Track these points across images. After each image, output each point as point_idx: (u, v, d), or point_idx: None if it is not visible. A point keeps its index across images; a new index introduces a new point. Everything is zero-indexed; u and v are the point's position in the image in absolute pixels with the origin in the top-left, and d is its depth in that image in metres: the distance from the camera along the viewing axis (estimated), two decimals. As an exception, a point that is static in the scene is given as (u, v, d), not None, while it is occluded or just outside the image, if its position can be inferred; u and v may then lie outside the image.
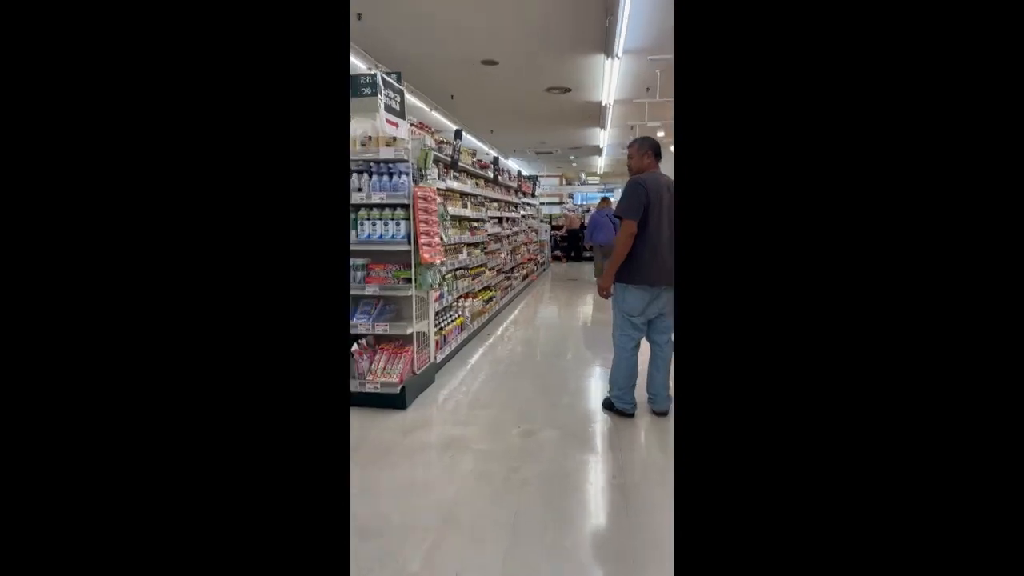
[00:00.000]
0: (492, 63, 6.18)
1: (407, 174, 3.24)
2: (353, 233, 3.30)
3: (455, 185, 4.82)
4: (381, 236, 3.27)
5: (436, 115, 9.20)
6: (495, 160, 6.81)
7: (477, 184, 5.99)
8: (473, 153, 5.84)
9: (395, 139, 3.24)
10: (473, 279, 5.53)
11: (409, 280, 3.30)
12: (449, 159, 4.53)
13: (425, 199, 3.31)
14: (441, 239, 3.59)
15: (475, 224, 5.83)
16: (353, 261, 3.39)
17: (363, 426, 2.99)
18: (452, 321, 4.43)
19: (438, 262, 3.49)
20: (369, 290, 3.29)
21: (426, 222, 3.33)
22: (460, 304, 4.88)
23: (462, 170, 5.32)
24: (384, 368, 3.26)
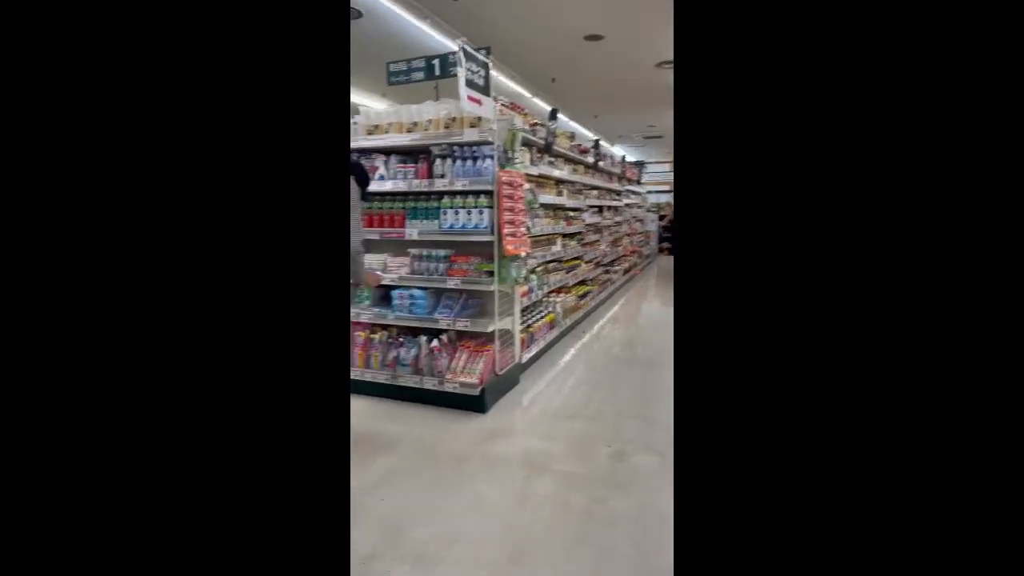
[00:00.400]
0: (596, 38, 5.68)
1: (491, 158, 2.96)
2: (436, 222, 3.11)
3: (549, 171, 4.46)
4: (464, 226, 3.03)
5: (537, 101, 8.90)
6: (595, 144, 6.33)
7: (575, 170, 5.58)
8: (571, 136, 5.44)
9: (480, 119, 2.98)
10: (567, 272, 5.15)
11: (491, 273, 3.03)
12: (543, 142, 4.19)
13: (511, 185, 3.00)
14: (528, 229, 3.27)
15: (571, 213, 5.44)
16: (436, 252, 3.21)
17: (439, 429, 2.79)
18: (541, 318, 4.11)
19: (523, 254, 3.18)
20: (451, 283, 3.08)
21: (511, 210, 3.03)
22: (551, 299, 4.54)
23: (557, 155, 4.94)
24: (464, 367, 3.04)
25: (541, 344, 4.00)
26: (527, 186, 3.22)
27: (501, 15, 4.79)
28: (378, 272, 2.96)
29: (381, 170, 3.20)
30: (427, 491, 2.18)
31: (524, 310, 4.04)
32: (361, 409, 3.03)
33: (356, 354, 3.26)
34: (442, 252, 3.21)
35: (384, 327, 3.35)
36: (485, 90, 2.77)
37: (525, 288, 3.93)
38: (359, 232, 2.37)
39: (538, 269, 4.38)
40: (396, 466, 2.41)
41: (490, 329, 3.04)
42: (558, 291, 4.84)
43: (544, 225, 4.52)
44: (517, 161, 3.24)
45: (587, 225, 6.17)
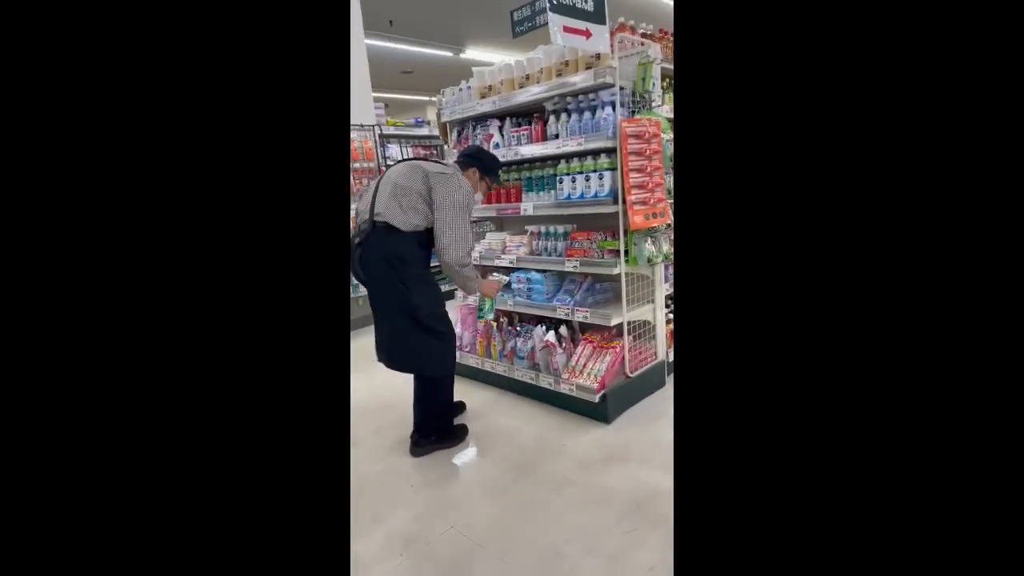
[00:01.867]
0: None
1: (612, 105, 2.31)
2: (552, 193, 2.62)
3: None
4: (582, 195, 2.47)
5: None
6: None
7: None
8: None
9: (599, 58, 2.34)
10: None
11: (616, 252, 2.43)
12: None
13: (640, 137, 2.31)
14: (670, 191, 2.52)
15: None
16: (555, 228, 2.73)
17: (547, 439, 2.38)
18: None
19: (663, 226, 2.46)
20: (569, 265, 2.58)
21: (641, 171, 2.35)
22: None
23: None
24: (585, 366, 2.55)
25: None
26: (669, 136, 2.46)
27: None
28: (501, 278, 2.64)
29: (496, 137, 2.83)
30: (505, 519, 1.82)
31: (680, 293, 3.28)
32: (477, 400, 2.82)
33: (478, 342, 3.04)
34: (561, 228, 2.71)
35: (507, 314, 3.04)
36: (595, 16, 2.12)
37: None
38: (466, 240, 2.07)
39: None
40: (480, 478, 2.11)
41: (614, 322, 2.46)
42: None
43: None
44: (655, 104, 2.50)
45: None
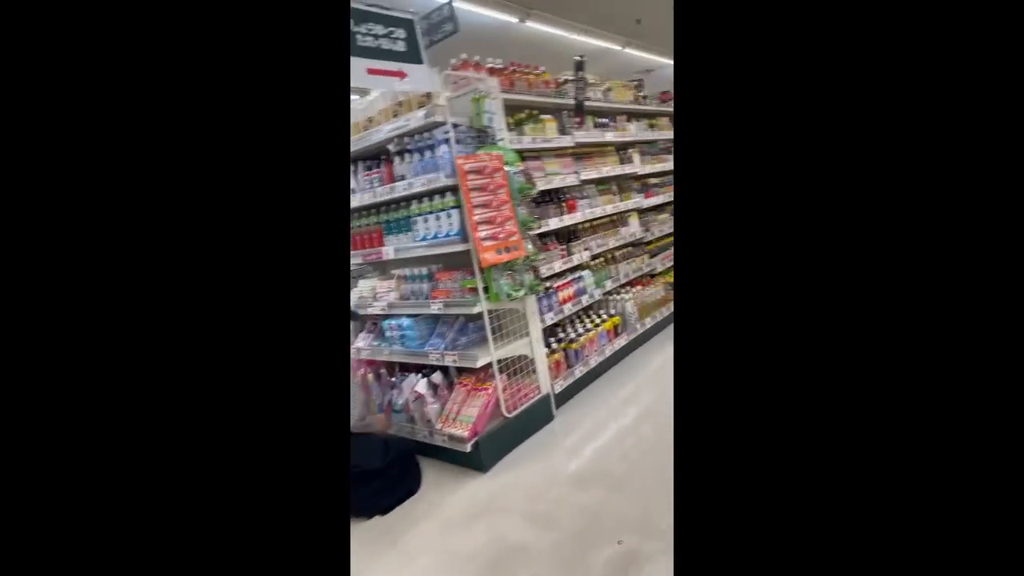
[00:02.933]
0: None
1: (447, 143, 2.25)
2: (410, 235, 2.52)
3: (592, 136, 3.51)
4: (435, 235, 2.38)
5: (633, 52, 7.60)
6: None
7: (652, 125, 4.43)
8: (637, 85, 4.31)
9: (429, 96, 2.28)
10: (652, 256, 4.10)
11: (475, 290, 2.33)
12: (574, 102, 3.26)
13: (480, 172, 2.25)
14: (525, 223, 2.46)
15: (653, 182, 4.33)
16: (419, 271, 2.62)
17: (420, 499, 2.22)
18: (595, 326, 3.22)
19: (519, 259, 2.39)
20: (435, 307, 2.47)
21: (486, 205, 2.28)
22: (620, 297, 3.59)
23: (608, 112, 3.91)
24: (459, 413, 2.41)
25: (598, 359, 3.13)
26: (516, 168, 2.42)
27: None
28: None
29: (352, 182, 2.72)
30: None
31: (569, 319, 3.22)
32: (359, 463, 2.62)
33: (360, 398, 2.86)
34: (426, 270, 2.61)
35: (386, 364, 2.89)
36: (409, 56, 2.07)
37: (571, 292, 3.11)
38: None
39: (594, 262, 3.48)
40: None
41: (481, 363, 2.35)
42: (635, 283, 3.84)
43: (603, 205, 3.60)
44: (499, 138, 2.46)
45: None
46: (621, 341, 3.37)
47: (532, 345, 2.64)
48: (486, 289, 2.35)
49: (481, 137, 2.39)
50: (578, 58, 3.18)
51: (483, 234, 2.25)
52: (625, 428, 2.56)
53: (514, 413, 2.48)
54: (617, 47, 7.15)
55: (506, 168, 2.40)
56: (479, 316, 2.37)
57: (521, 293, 2.40)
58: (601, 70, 6.39)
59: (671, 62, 7.50)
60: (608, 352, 3.23)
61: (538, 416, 2.64)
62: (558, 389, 2.80)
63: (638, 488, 2.00)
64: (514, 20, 5.34)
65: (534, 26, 5.57)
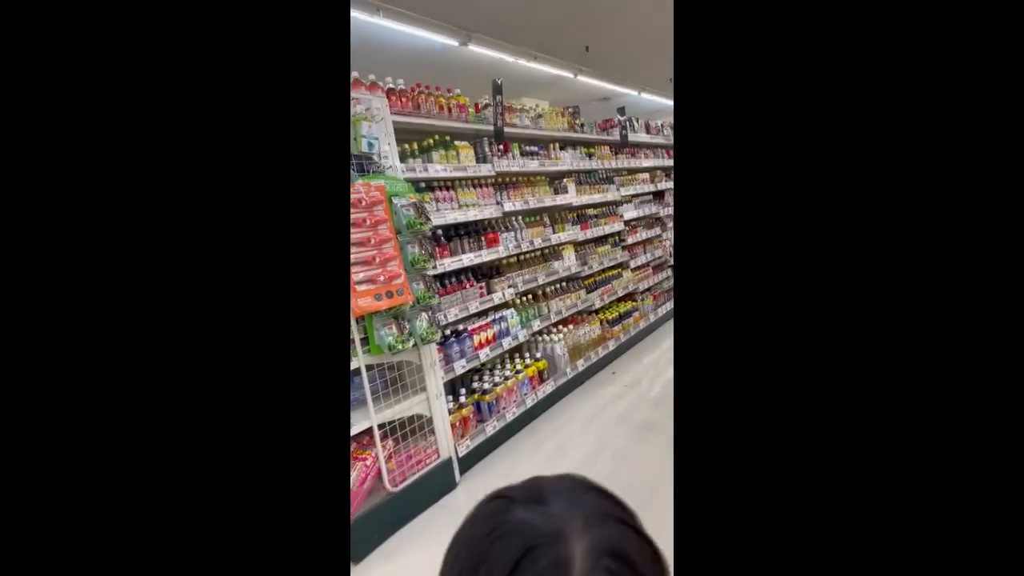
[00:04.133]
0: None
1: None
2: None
3: (515, 165, 3.25)
4: (308, 276, 2.03)
5: (587, 80, 7.52)
6: (623, 116, 4.82)
7: (590, 153, 4.23)
8: (573, 112, 4.11)
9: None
10: (591, 292, 3.83)
11: (352, 342, 1.98)
12: (492, 128, 3.00)
13: (355, 205, 1.93)
14: (415, 263, 2.14)
15: (591, 213, 4.10)
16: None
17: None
18: (515, 374, 2.89)
19: (407, 304, 2.06)
20: (310, 361, 2.10)
21: (363, 243, 1.96)
22: (549, 338, 3.29)
23: (539, 140, 3.67)
24: (333, 487, 2.03)
25: (517, 411, 2.79)
26: (406, 200, 2.11)
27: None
28: None
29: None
30: None
31: (488, 366, 2.88)
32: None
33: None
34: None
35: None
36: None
37: (490, 334, 2.78)
38: None
39: (519, 300, 3.18)
40: None
41: (359, 428, 1.99)
42: (569, 321, 3.55)
43: (532, 238, 3.32)
44: (386, 166, 2.15)
45: (632, 221, 4.72)
46: (547, 388, 3.05)
47: (430, 402, 2.28)
48: (365, 340, 2.01)
49: (363, 165, 2.08)
50: (496, 81, 2.93)
51: (358, 277, 1.92)
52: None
53: (401, 486, 2.11)
54: (569, 74, 7.06)
55: (394, 200, 2.09)
56: (356, 372, 2.02)
57: (408, 345, 2.06)
58: (558, 98, 6.21)
59: (627, 91, 7.43)
60: (530, 402, 2.90)
61: (435, 486, 2.27)
62: (464, 451, 2.44)
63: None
64: (455, 43, 5.15)
65: (477, 50, 5.39)
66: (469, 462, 2.49)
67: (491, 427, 2.61)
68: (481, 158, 3.02)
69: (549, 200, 3.54)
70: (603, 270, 4.14)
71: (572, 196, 3.81)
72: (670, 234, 5.52)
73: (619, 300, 4.32)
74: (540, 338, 3.28)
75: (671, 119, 6.80)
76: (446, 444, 2.34)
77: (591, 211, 4.12)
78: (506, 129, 3.27)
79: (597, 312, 3.94)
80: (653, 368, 3.76)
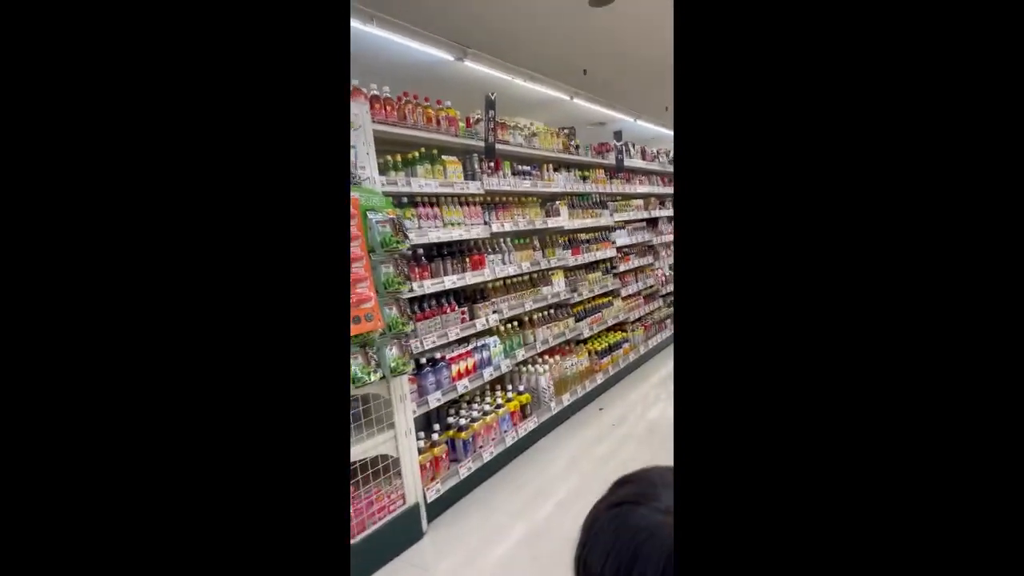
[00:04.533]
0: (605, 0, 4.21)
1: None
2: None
3: (506, 185, 3.08)
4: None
5: (583, 103, 7.46)
6: (620, 141, 4.72)
7: (584, 176, 4.08)
8: (568, 133, 3.98)
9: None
10: (578, 320, 3.64)
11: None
12: (483, 144, 2.84)
13: (323, 219, 1.73)
14: (388, 284, 1.93)
15: (583, 237, 3.94)
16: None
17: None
18: (494, 409, 2.67)
19: (375, 332, 1.84)
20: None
21: (330, 262, 1.74)
22: (533, 369, 3.08)
23: (531, 159, 3.52)
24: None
25: (496, 450, 2.56)
26: (382, 216, 1.91)
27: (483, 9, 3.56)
28: None
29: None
30: None
31: (467, 398, 2.66)
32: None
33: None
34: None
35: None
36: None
37: (470, 364, 2.56)
38: None
39: (504, 327, 2.97)
40: None
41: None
42: (556, 351, 3.34)
43: (521, 261, 3.14)
44: (364, 178, 1.96)
45: (624, 248, 4.57)
46: (529, 424, 2.82)
47: (398, 440, 2.05)
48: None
49: (336, 175, 1.88)
50: (489, 95, 2.77)
51: (321, 299, 1.70)
52: (524, 543, 1.98)
53: (359, 537, 1.86)
54: (565, 96, 7.00)
55: (369, 215, 1.89)
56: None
57: (375, 377, 1.84)
58: (553, 119, 6.10)
59: (623, 116, 7.36)
60: (510, 440, 2.67)
61: (399, 536, 2.02)
62: (435, 495, 2.20)
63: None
64: (450, 58, 5.03)
65: (473, 66, 5.28)
66: (439, 508, 2.25)
67: (465, 468, 2.37)
68: (470, 175, 2.85)
69: (540, 222, 3.38)
70: (593, 297, 3.96)
71: (565, 219, 3.65)
72: (663, 263, 5.38)
73: (609, 329, 4.13)
74: (524, 369, 3.07)
75: (667, 147, 6.74)
76: (413, 488, 2.10)
77: (583, 236, 3.96)
78: (498, 146, 3.11)
79: (585, 342, 3.74)
80: (642, 403, 3.56)
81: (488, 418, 2.56)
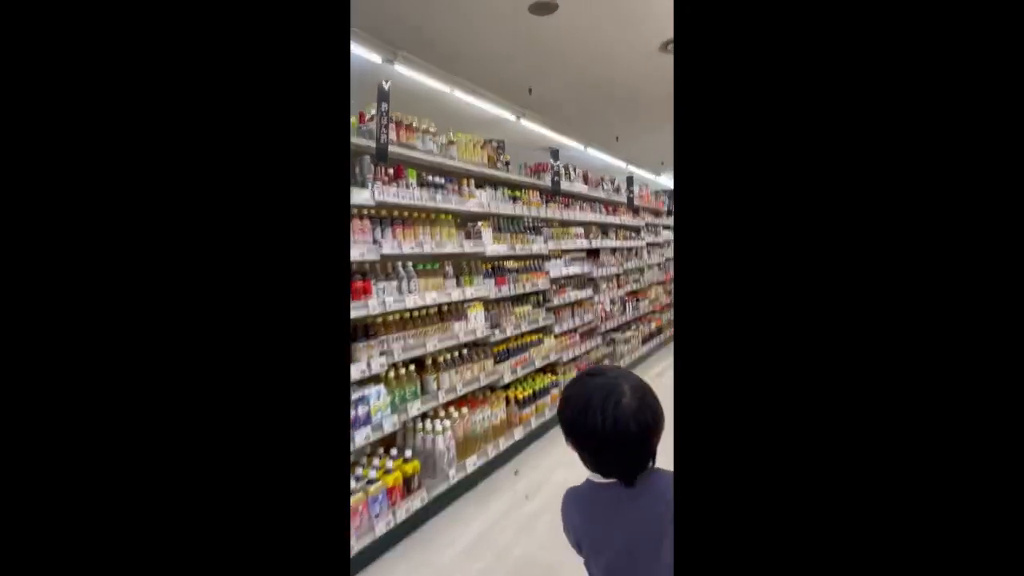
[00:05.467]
0: (546, 8, 3.80)
1: None
2: None
3: (408, 198, 2.54)
4: None
5: (531, 125, 7.08)
6: (556, 160, 4.31)
7: (515, 197, 3.60)
8: (496, 145, 3.51)
9: None
10: (499, 362, 3.08)
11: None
12: (374, 145, 2.29)
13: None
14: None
15: (508, 264, 3.42)
16: None
17: None
18: (365, 485, 2.04)
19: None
20: None
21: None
22: (428, 427, 2.48)
23: (435, 168, 2.98)
24: None
25: (364, 542, 1.93)
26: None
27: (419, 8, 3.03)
28: None
29: None
30: None
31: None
32: None
33: None
34: None
35: None
36: None
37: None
38: None
39: (396, 373, 2.38)
40: None
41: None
42: (464, 402, 2.76)
43: (425, 291, 2.57)
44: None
45: (560, 279, 4.10)
46: (414, 502, 2.20)
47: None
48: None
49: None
50: (382, 84, 2.24)
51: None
52: None
53: None
54: (511, 116, 6.60)
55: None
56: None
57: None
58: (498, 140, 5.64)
59: (573, 143, 7.00)
60: (383, 527, 2.03)
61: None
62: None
63: None
64: (378, 60, 4.51)
65: (404, 71, 4.77)
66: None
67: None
68: (359, 181, 2.29)
69: (455, 246, 2.83)
70: (520, 335, 3.43)
71: (488, 243, 3.12)
72: (603, 296, 4.95)
73: (537, 372, 3.60)
74: (418, 426, 2.47)
75: (613, 175, 6.41)
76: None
77: (510, 264, 3.45)
78: (402, 151, 2.58)
79: (506, 388, 3.19)
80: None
81: (354, 498, 1.94)
